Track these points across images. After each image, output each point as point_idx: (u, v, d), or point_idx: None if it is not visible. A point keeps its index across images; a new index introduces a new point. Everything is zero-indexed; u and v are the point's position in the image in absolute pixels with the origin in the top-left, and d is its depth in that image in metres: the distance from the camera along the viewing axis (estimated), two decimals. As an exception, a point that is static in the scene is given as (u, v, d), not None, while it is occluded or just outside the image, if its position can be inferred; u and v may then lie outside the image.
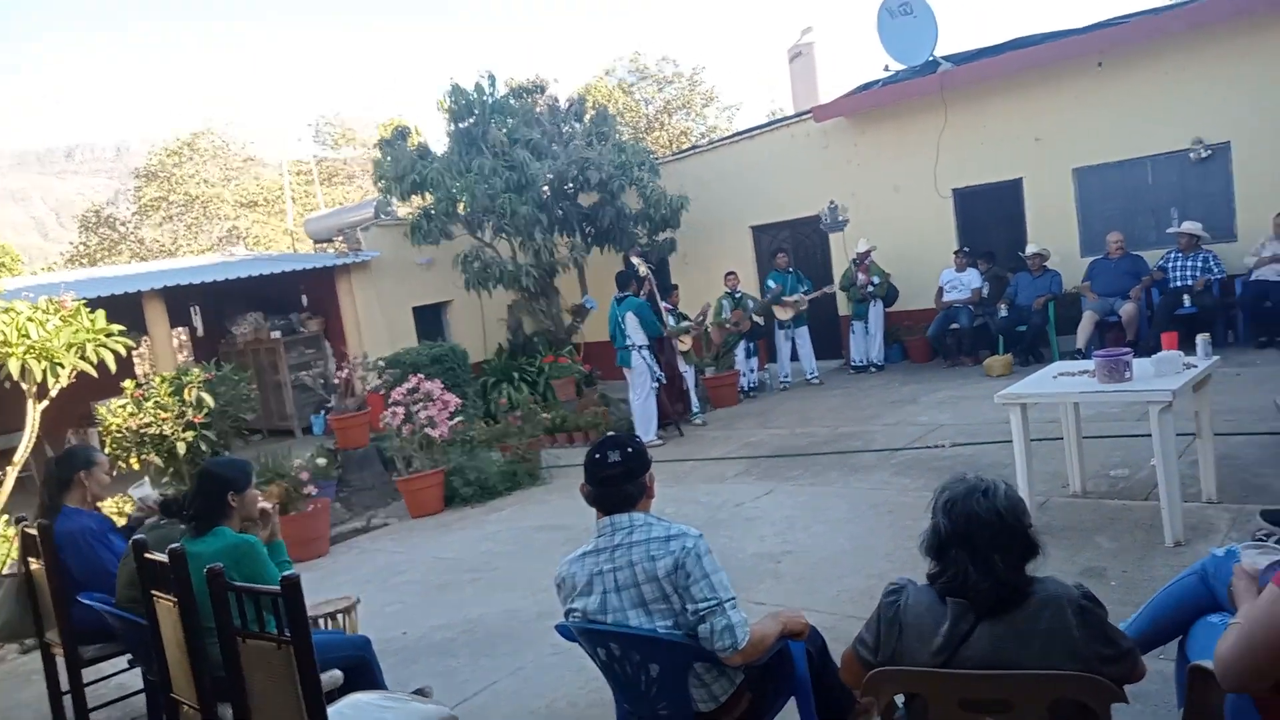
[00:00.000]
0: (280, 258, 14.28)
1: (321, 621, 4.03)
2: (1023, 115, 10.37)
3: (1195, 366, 4.51)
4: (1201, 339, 4.76)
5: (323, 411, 11.12)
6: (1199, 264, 8.88)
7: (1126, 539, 4.48)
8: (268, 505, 3.61)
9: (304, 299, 12.98)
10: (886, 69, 11.74)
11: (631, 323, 9.06)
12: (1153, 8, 10.03)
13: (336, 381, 9.41)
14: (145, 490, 4.45)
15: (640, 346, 9.07)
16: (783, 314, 10.92)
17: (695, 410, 9.98)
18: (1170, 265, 9.06)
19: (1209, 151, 9.26)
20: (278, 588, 2.67)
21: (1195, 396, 4.68)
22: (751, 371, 11.16)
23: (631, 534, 2.53)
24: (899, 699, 2.16)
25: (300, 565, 6.31)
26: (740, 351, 11.04)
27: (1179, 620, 2.67)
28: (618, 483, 2.58)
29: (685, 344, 10.15)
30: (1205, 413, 4.76)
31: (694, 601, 2.43)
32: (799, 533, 5.51)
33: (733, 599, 2.47)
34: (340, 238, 13.43)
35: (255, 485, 3.55)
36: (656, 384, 9.15)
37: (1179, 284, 8.92)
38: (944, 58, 11.15)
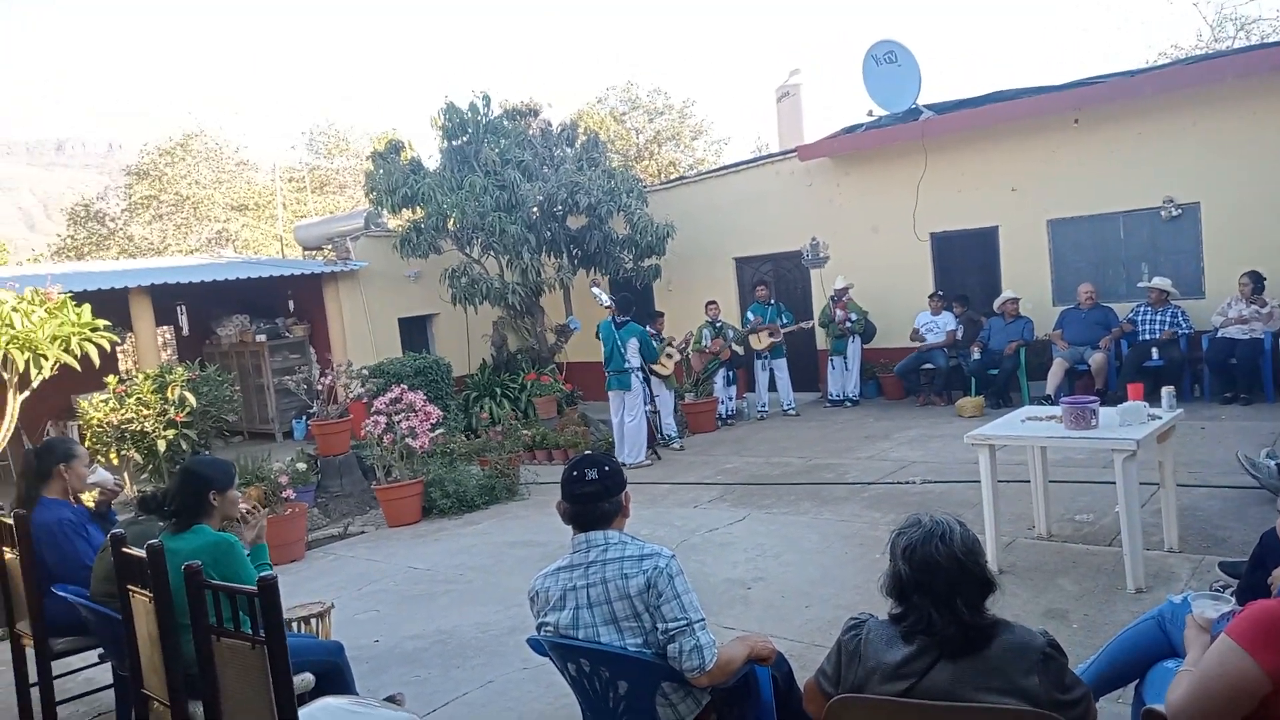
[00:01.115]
0: (268, 262, 14.29)
1: (295, 625, 4.06)
2: (1000, 165, 10.62)
3: (1160, 418, 4.62)
4: (1167, 391, 4.88)
5: (304, 417, 11.12)
6: (1167, 319, 9.10)
7: (1089, 583, 4.57)
8: (251, 507, 3.65)
9: (290, 304, 13.00)
10: (870, 114, 11.98)
11: (633, 347, 9.31)
12: (1126, 70, 10.33)
13: (320, 388, 9.43)
14: (101, 474, 4.44)
15: (637, 369, 9.28)
16: (757, 344, 11.09)
17: (674, 435, 10.08)
18: (1139, 318, 9.28)
19: (1179, 211, 9.52)
20: (254, 588, 2.72)
21: (1159, 447, 4.78)
22: (730, 399, 11.28)
23: (606, 551, 2.59)
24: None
25: (275, 569, 6.35)
26: (720, 379, 11.17)
27: (1136, 664, 2.75)
28: (594, 500, 2.63)
29: (667, 368, 10.29)
30: (1169, 464, 4.88)
31: (664, 621, 2.49)
32: (770, 561, 5.58)
33: (702, 620, 2.53)
34: (329, 246, 13.48)
35: (236, 486, 3.60)
36: (649, 406, 9.40)
37: (1147, 337, 9.13)
38: (926, 106, 11.39)
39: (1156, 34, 34.56)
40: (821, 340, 11.71)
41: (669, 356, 10.43)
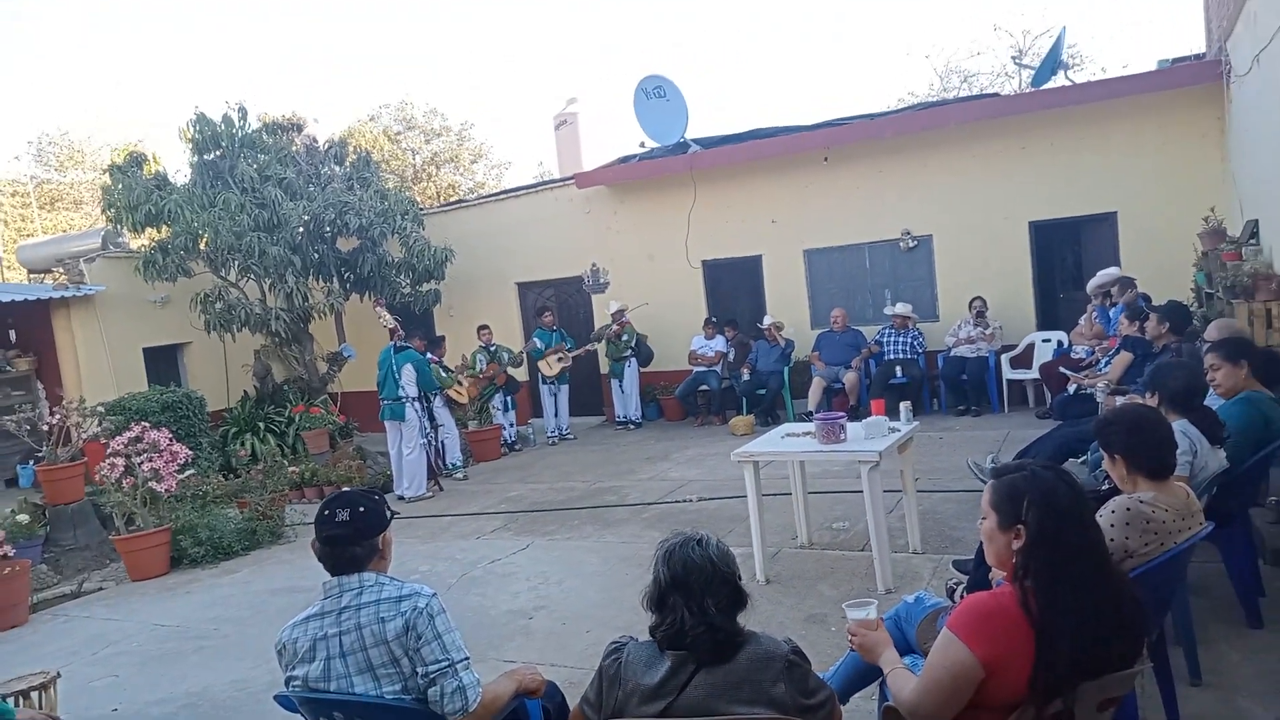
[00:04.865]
0: (-17, 287, 12.61)
1: (10, 701, 3.56)
2: (762, 198, 11.33)
3: (899, 430, 5.07)
4: (904, 406, 5.35)
5: (31, 462, 9.84)
6: (908, 340, 10.05)
7: (845, 587, 4.89)
8: None
9: (12, 334, 11.53)
10: (643, 145, 12.44)
11: (408, 375, 8.97)
12: (869, 113, 11.37)
13: (47, 428, 8.37)
14: None
15: (413, 399, 8.94)
16: (547, 370, 11.15)
17: (458, 464, 9.85)
18: (885, 340, 10.19)
19: (915, 242, 10.57)
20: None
21: (901, 457, 5.23)
22: (511, 425, 11.21)
23: (360, 595, 2.47)
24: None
25: (-13, 638, 5.56)
26: (498, 405, 11.07)
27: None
28: (344, 543, 2.50)
29: (461, 395, 10.07)
30: (909, 472, 5.34)
31: (424, 664, 2.40)
32: (552, 588, 5.57)
33: (465, 659, 2.47)
34: (60, 268, 12.12)
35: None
36: (426, 439, 9.11)
37: (892, 357, 10.04)
38: (694, 140, 11.97)
39: (896, 82, 38.20)
40: (605, 365, 11.93)
41: (460, 384, 10.26)
